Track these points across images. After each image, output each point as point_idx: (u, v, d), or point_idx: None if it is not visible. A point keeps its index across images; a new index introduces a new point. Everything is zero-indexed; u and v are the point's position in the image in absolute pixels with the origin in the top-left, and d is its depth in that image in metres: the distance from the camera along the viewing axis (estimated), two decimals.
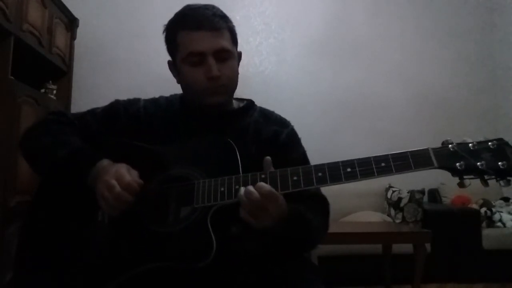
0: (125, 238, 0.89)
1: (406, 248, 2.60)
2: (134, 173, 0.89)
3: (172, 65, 1.07)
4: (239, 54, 1.09)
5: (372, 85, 3.81)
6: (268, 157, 0.86)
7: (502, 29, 3.96)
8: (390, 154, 0.80)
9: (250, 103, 1.13)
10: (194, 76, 0.99)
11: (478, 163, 0.76)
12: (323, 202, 1.04)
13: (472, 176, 0.78)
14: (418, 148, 0.80)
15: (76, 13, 3.08)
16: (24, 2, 2.29)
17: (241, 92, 1.13)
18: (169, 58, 1.07)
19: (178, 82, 1.08)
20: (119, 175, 0.85)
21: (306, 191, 0.97)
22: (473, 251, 2.95)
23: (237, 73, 1.06)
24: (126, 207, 0.86)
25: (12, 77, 2.15)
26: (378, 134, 3.71)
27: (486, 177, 0.77)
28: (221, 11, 1.03)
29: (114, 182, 0.84)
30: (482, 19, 4.03)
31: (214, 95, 1.00)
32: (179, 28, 1.00)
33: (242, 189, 0.82)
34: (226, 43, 1.00)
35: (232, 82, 1.03)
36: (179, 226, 0.87)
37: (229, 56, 1.01)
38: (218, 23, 0.99)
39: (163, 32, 1.05)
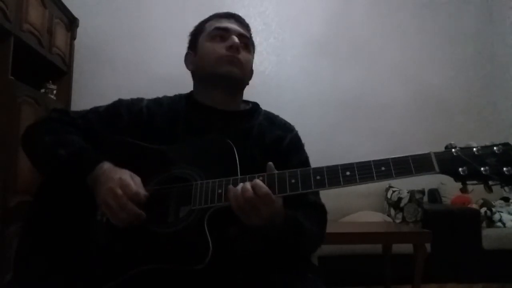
0: (124, 238, 0.89)
1: (406, 248, 2.60)
2: (138, 180, 0.89)
3: (189, 54, 1.12)
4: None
5: (372, 85, 3.81)
6: (271, 163, 0.85)
7: (502, 29, 3.96)
8: (391, 158, 0.78)
9: (256, 106, 1.13)
10: (214, 47, 1.04)
11: (482, 168, 0.73)
12: (321, 211, 1.03)
13: (475, 182, 0.75)
14: (420, 152, 0.77)
15: (76, 13, 3.07)
16: (24, 2, 2.28)
17: None
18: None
19: (192, 68, 1.10)
20: (125, 184, 0.85)
21: (305, 199, 0.97)
22: (473, 251, 2.95)
23: (251, 67, 1.11)
24: (132, 218, 0.84)
25: (12, 77, 2.14)
26: (378, 134, 3.71)
27: (490, 182, 0.74)
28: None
29: (120, 191, 0.84)
30: (481, 19, 4.04)
31: (229, 64, 1.02)
32: (210, 19, 1.10)
33: (240, 184, 0.82)
34: (249, 36, 1.10)
35: (246, 67, 1.06)
36: (176, 228, 0.86)
37: (249, 46, 1.08)
38: (245, 23, 1.12)
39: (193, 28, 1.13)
